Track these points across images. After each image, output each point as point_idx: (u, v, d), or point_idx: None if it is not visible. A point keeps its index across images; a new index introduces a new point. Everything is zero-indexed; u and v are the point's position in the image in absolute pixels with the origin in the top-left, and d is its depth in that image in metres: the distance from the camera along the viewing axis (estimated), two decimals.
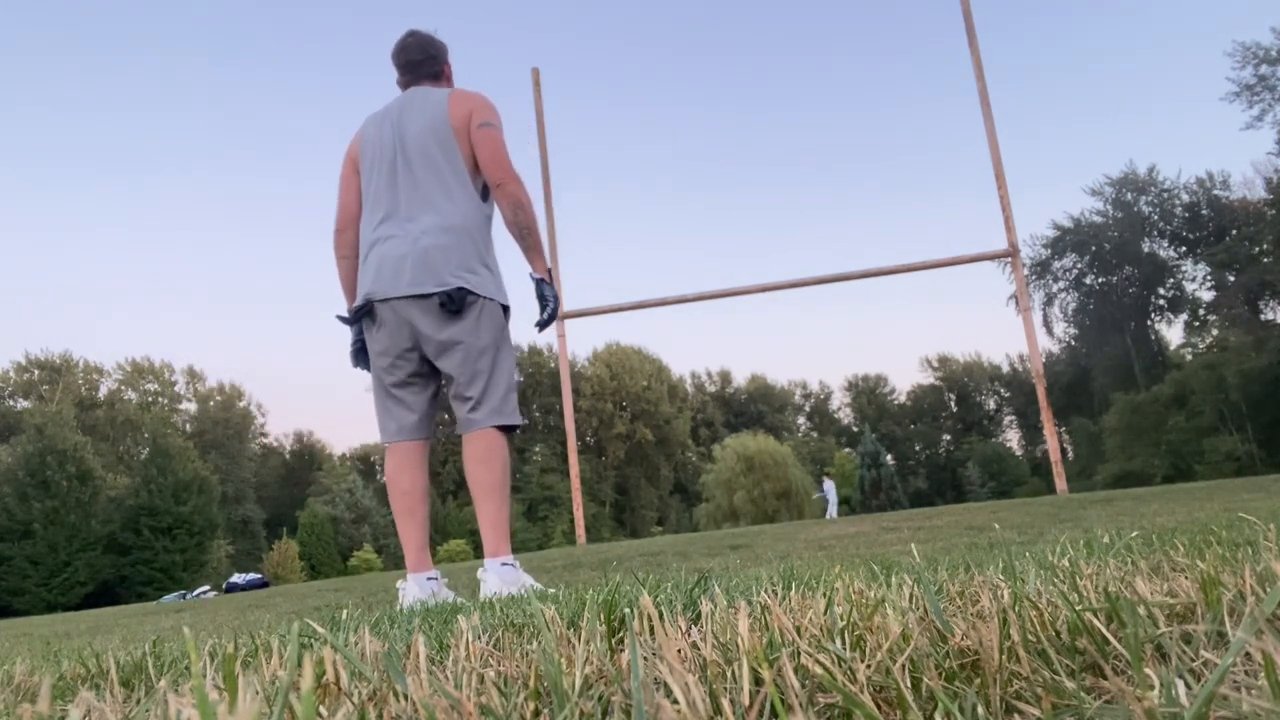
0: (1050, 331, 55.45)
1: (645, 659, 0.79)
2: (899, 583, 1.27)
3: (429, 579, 2.79)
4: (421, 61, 3.13)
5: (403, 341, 2.80)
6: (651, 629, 0.91)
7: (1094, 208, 52.14)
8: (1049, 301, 54.63)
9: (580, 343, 77.31)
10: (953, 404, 74.02)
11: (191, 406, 60.31)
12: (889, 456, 51.20)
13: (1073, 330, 56.00)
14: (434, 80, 3.15)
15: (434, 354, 2.80)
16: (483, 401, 2.81)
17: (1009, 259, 9.46)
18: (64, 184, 73.96)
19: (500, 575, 2.69)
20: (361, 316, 2.82)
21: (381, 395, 2.89)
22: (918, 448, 72.09)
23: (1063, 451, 9.59)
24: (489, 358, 2.81)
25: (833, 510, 25.97)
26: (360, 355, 2.95)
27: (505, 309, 2.90)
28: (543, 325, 2.95)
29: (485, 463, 2.76)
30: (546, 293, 2.93)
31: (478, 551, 46.79)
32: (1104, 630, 0.73)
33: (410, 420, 2.88)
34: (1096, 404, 51.07)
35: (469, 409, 2.81)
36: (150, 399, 58.23)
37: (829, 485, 26.74)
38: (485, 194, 2.94)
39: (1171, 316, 51.69)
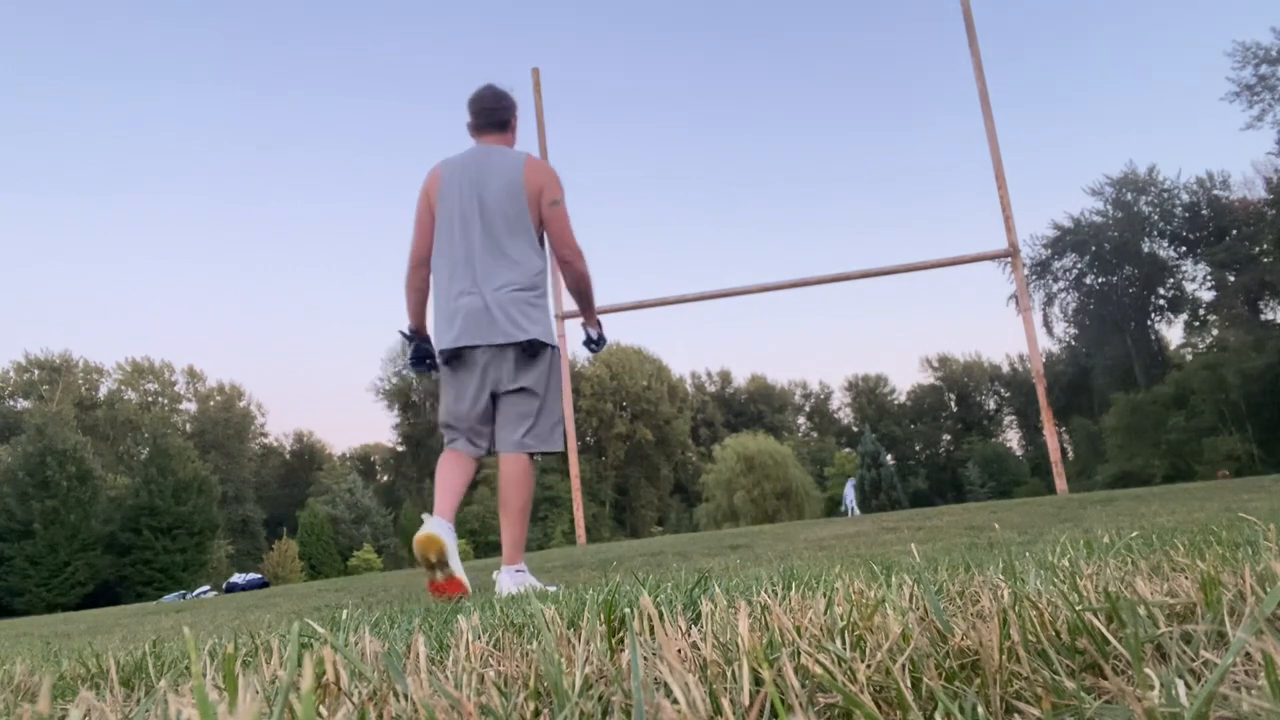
0: (1050, 331, 55.50)
1: (645, 659, 0.79)
2: (899, 583, 1.27)
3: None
4: (493, 110, 3.54)
5: (486, 382, 3.27)
6: (651, 629, 0.91)
7: (1094, 208, 52.19)
8: (1049, 301, 54.66)
9: (580, 343, 77.26)
10: (953, 404, 74.01)
11: (191, 406, 60.35)
12: (889, 456, 51.20)
13: (1073, 330, 56.03)
14: (501, 129, 3.56)
15: (505, 390, 3.27)
16: (532, 431, 3.26)
17: (1009, 259, 9.46)
18: (64, 184, 74.04)
19: (512, 579, 3.11)
20: (449, 359, 3.32)
21: (461, 404, 3.37)
22: (918, 448, 72.09)
23: (1063, 451, 9.59)
24: (548, 395, 3.31)
25: (852, 508, 27.09)
26: (419, 364, 3.53)
27: (555, 354, 3.40)
28: (595, 349, 3.84)
29: (518, 486, 3.21)
30: (597, 336, 3.77)
31: (478, 551, 46.90)
32: (1104, 630, 0.73)
33: (483, 441, 3.38)
34: (1096, 404, 51.07)
35: (521, 434, 3.25)
36: (150, 399, 58.26)
37: (850, 485, 28.87)
38: (543, 243, 3.40)
39: (1171, 316, 51.72)
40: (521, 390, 3.24)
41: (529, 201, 3.29)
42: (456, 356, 3.28)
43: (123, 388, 57.13)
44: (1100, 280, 52.52)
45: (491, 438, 3.33)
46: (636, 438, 65.24)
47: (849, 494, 28.35)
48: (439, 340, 3.32)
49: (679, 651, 0.80)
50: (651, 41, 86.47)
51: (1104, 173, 54.41)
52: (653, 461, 66.31)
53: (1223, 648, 0.73)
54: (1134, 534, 2.24)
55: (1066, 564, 1.42)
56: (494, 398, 3.29)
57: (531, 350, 3.22)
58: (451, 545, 3.01)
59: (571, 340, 9.34)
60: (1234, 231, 44.74)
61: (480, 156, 3.40)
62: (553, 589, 2.73)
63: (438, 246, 3.34)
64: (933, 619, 0.83)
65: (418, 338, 3.53)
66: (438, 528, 3.00)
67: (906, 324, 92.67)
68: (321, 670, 0.73)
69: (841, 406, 77.94)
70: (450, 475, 3.25)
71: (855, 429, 68.71)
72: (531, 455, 3.27)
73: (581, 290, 3.51)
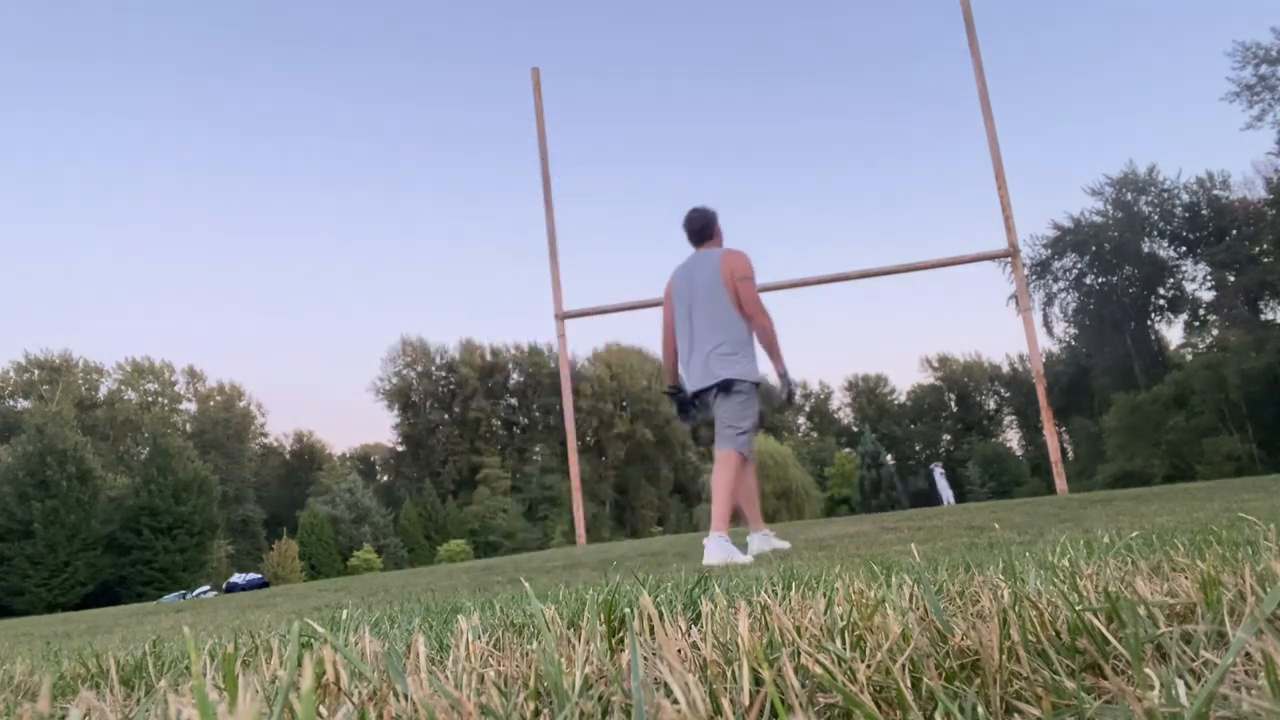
0: (1050, 331, 55.47)
1: (645, 659, 0.79)
2: (899, 583, 1.27)
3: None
4: (697, 231, 4.93)
5: (711, 404, 4.69)
6: (651, 629, 0.91)
7: (1094, 208, 52.16)
8: (1049, 301, 54.64)
9: (580, 343, 77.31)
10: (953, 404, 74.01)
11: (191, 406, 60.35)
12: (889, 456, 51.19)
13: (1073, 330, 56.02)
14: (709, 239, 4.92)
15: (717, 413, 4.66)
16: (729, 436, 4.57)
17: (1009, 259, 9.46)
18: (64, 184, 74.03)
19: (715, 542, 4.22)
20: (693, 398, 4.76)
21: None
22: (918, 448, 72.10)
23: (1063, 451, 9.59)
24: (742, 413, 4.59)
25: (948, 498, 23.45)
26: (684, 414, 4.91)
27: (755, 384, 4.65)
28: (789, 399, 5.05)
29: (722, 470, 4.52)
30: (786, 381, 4.91)
31: (477, 551, 46.88)
32: (1104, 630, 0.73)
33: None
34: (1096, 404, 51.07)
35: (727, 438, 4.57)
36: (150, 399, 58.26)
37: (938, 474, 24.58)
38: (741, 313, 4.65)
39: (1171, 316, 51.70)
40: (727, 410, 4.61)
41: (725, 283, 4.60)
42: (697, 397, 4.79)
43: (123, 388, 57.13)
44: (1100, 280, 52.51)
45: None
46: (636, 438, 65.25)
47: (941, 480, 23.80)
48: (690, 384, 4.74)
49: (679, 651, 0.80)
50: (652, 42, 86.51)
51: (1104, 173, 54.42)
52: (653, 461, 66.32)
53: (1223, 648, 0.73)
54: (1134, 534, 2.24)
55: (1066, 564, 1.42)
56: (718, 419, 4.67)
57: (726, 387, 4.57)
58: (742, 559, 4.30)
59: (572, 341, 9.35)
60: (1234, 231, 44.75)
61: (694, 261, 4.82)
62: (787, 546, 4.65)
63: (678, 328, 4.80)
64: (933, 619, 0.83)
65: (677, 391, 4.90)
66: (722, 551, 4.33)
67: (906, 324, 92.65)
68: (321, 670, 0.73)
69: (841, 406, 77.95)
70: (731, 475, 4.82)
71: (855, 429, 68.73)
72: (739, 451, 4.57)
73: (766, 342, 4.71)
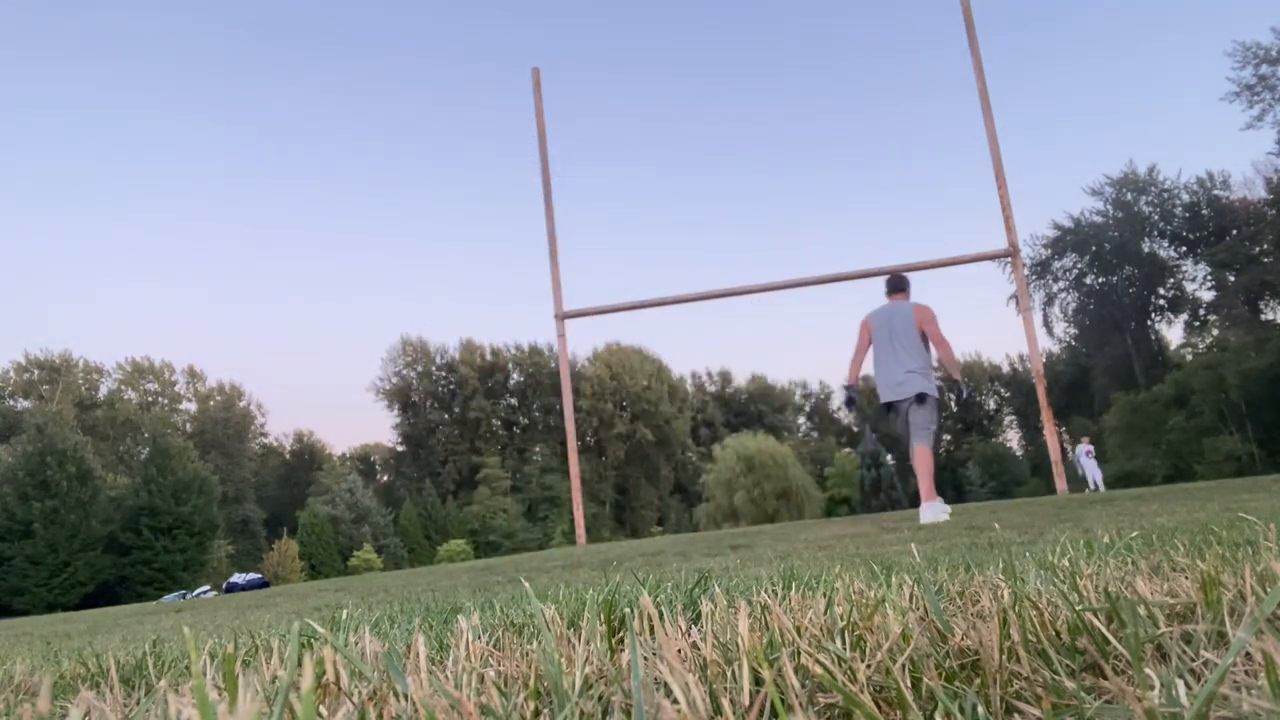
0: (1050, 331, 55.48)
1: (645, 659, 0.79)
2: (899, 583, 1.27)
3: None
4: (896, 287, 6.80)
5: (905, 416, 6.40)
6: (651, 629, 0.91)
7: (1094, 208, 52.16)
8: (1049, 301, 54.66)
9: (580, 343, 77.29)
10: (953, 404, 73.92)
11: (191, 406, 60.35)
12: (889, 456, 51.16)
13: (1073, 330, 56.03)
14: (900, 294, 6.77)
15: (911, 418, 6.36)
16: (923, 432, 6.29)
17: (1009, 259, 9.46)
18: (64, 184, 74.04)
19: (930, 508, 5.82)
20: (888, 408, 6.55)
21: (903, 426, 6.51)
22: None
23: (1063, 451, 9.59)
24: (930, 417, 6.33)
25: (1096, 478, 20.44)
26: (850, 405, 6.81)
27: (936, 397, 6.35)
28: (966, 398, 7.02)
29: (921, 457, 6.23)
30: (963, 387, 6.92)
31: (477, 551, 46.90)
32: (1104, 630, 0.73)
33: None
34: (1096, 404, 51.07)
35: (922, 436, 6.28)
36: (150, 399, 58.27)
37: (1084, 452, 21.06)
38: (926, 346, 6.45)
39: (1171, 316, 51.71)
40: (919, 417, 6.32)
41: (916, 326, 6.43)
42: (890, 406, 6.51)
43: (123, 388, 57.14)
44: (1100, 280, 52.51)
45: (908, 438, 6.45)
46: (636, 438, 65.25)
47: (1090, 461, 20.79)
48: (883, 397, 6.52)
49: (679, 651, 0.80)
50: (652, 42, 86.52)
51: (1104, 173, 54.34)
52: (653, 461, 66.33)
53: (1223, 648, 0.73)
54: (1134, 534, 2.24)
55: (1066, 564, 1.42)
56: (908, 421, 6.39)
57: (920, 399, 6.29)
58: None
59: (572, 341, 9.34)
60: (1234, 231, 44.75)
61: (890, 308, 6.60)
62: (945, 517, 5.67)
63: (876, 353, 6.53)
64: (933, 619, 0.83)
65: (852, 389, 6.79)
66: (935, 514, 5.94)
67: None
68: (321, 670, 0.73)
69: (841, 406, 77.83)
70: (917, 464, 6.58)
71: (855, 429, 68.69)
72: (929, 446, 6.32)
73: (950, 363, 6.47)
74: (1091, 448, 21.42)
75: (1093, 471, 20.66)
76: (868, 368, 6.66)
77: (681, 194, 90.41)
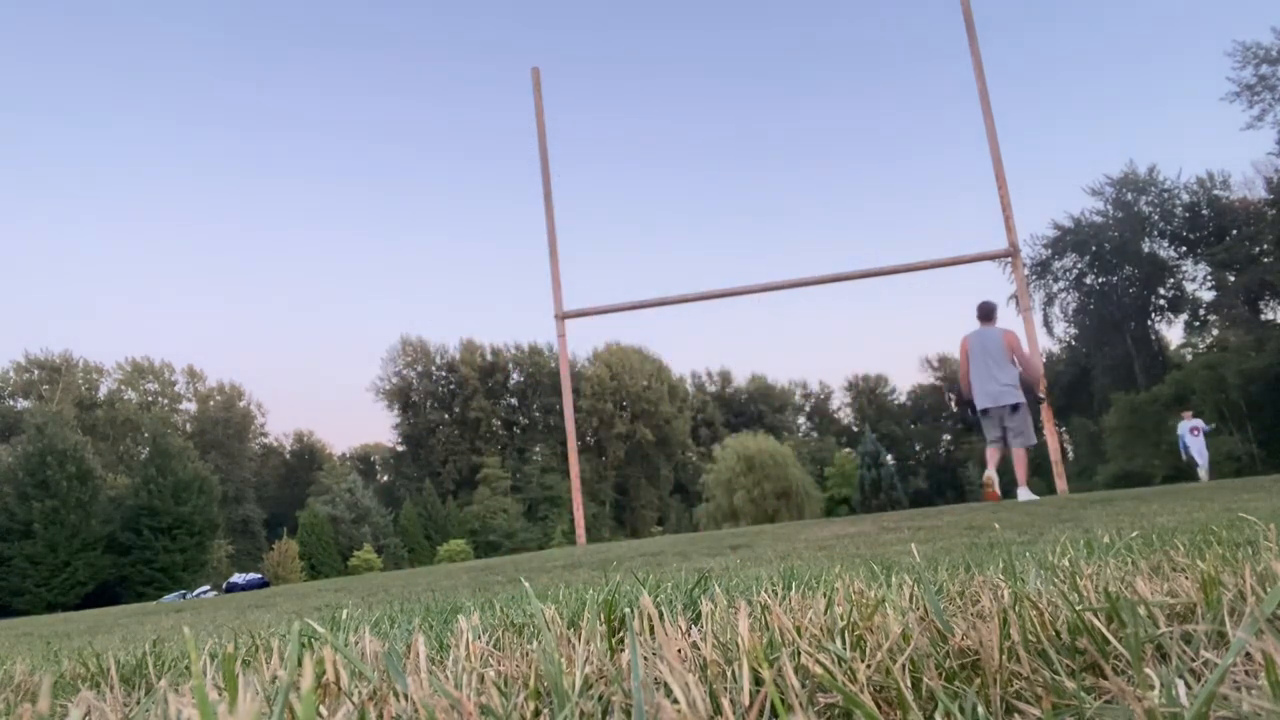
0: (1050, 331, 55.47)
1: (645, 659, 0.79)
2: (899, 583, 1.27)
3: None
4: (987, 315, 8.12)
5: (998, 420, 7.86)
6: (651, 629, 0.91)
7: (1094, 208, 52.15)
8: (1049, 301, 54.64)
9: (580, 343, 77.24)
10: (953, 404, 74.01)
11: (191, 406, 60.35)
12: (889, 456, 51.20)
13: (1073, 330, 56.02)
14: (990, 321, 8.10)
15: (1007, 424, 7.84)
16: (1021, 437, 7.78)
17: (1009, 259, 9.46)
18: (65, 184, 74.06)
19: (1024, 492, 7.54)
20: (984, 413, 7.91)
21: (992, 431, 7.93)
22: (918, 448, 72.11)
23: (1063, 451, 9.59)
24: (1024, 423, 7.80)
25: (1202, 463, 17.24)
26: (968, 412, 8.12)
27: (1025, 405, 7.75)
28: (1045, 400, 8.36)
29: (1021, 456, 7.72)
30: (1041, 394, 8.14)
31: (477, 551, 46.90)
32: (1104, 630, 0.73)
33: (998, 438, 7.95)
34: (1096, 404, 51.06)
35: (1020, 440, 7.75)
36: (150, 399, 58.26)
37: (1189, 428, 17.68)
38: (1013, 363, 7.85)
39: (1171, 316, 51.70)
40: (1014, 423, 7.79)
41: (1005, 349, 7.85)
42: (985, 413, 7.91)
43: (123, 388, 57.14)
44: (1100, 280, 52.50)
45: (1005, 442, 7.85)
46: (636, 438, 65.24)
47: (1197, 440, 17.46)
48: (980, 404, 7.92)
49: (679, 651, 0.80)
50: (652, 42, 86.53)
51: (1104, 173, 54.29)
52: (653, 461, 66.32)
53: (1223, 648, 0.73)
54: (1134, 534, 2.24)
55: (1066, 564, 1.42)
56: (1003, 426, 7.84)
57: (1014, 408, 7.76)
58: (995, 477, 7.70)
59: (572, 341, 9.34)
60: (1234, 231, 44.74)
61: (984, 332, 8.03)
62: (1034, 498, 7.07)
63: (973, 369, 7.98)
64: (933, 619, 0.83)
65: (967, 398, 8.12)
66: (993, 471, 7.71)
67: (906, 324, 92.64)
68: (321, 670, 0.73)
69: (841, 406, 77.93)
70: (995, 456, 7.86)
71: (855, 429, 68.74)
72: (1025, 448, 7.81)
73: (1035, 377, 7.96)
74: (1200, 422, 17.55)
75: (1199, 454, 17.13)
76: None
77: (682, 193, 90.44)
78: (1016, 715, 0.62)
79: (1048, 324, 55.02)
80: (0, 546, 35.57)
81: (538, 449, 65.59)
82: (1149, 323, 52.69)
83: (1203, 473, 16.91)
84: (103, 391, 56.02)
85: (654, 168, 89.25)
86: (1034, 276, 52.96)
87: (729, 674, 0.70)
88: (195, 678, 0.47)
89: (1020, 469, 7.74)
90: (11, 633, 5.47)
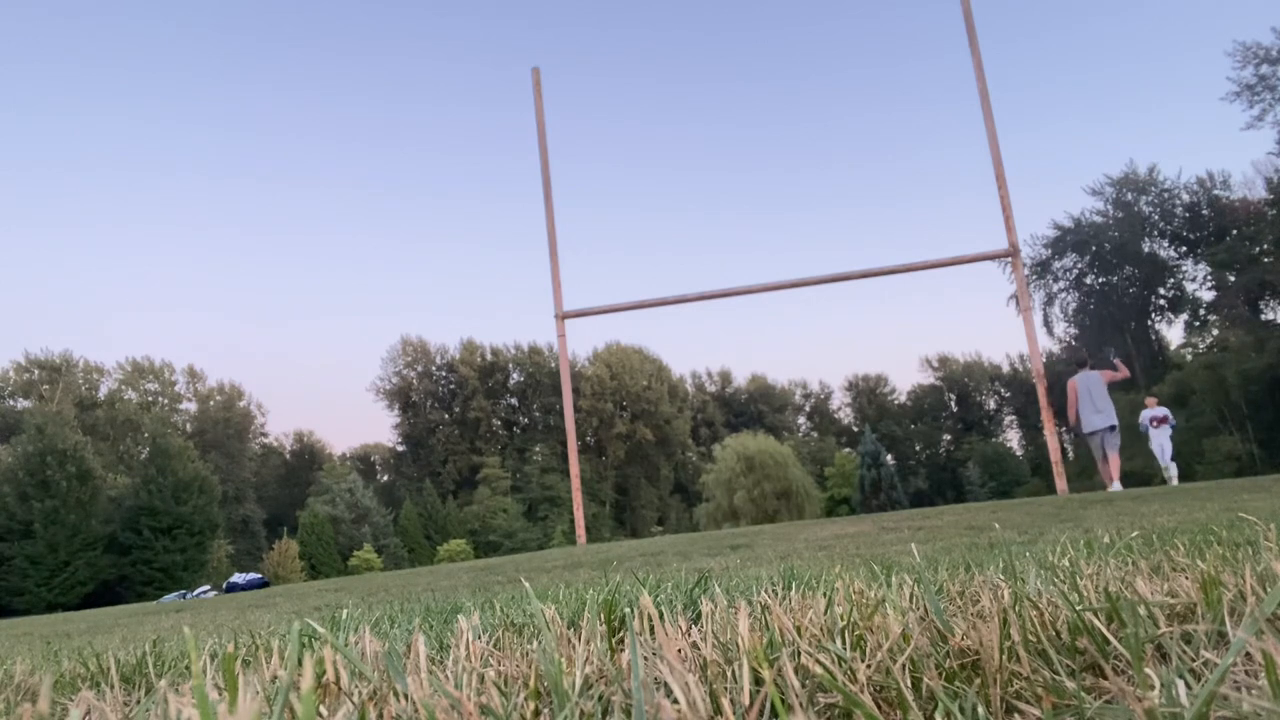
0: (1050, 331, 55.47)
1: (645, 659, 0.79)
2: (899, 583, 1.27)
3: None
4: (1082, 364, 11.57)
5: (1100, 441, 11.09)
6: (652, 629, 0.91)
7: (1094, 208, 52.17)
8: (1049, 301, 54.66)
9: (580, 343, 77.30)
10: (953, 404, 74.01)
11: (191, 406, 60.35)
12: (889, 456, 51.17)
13: (1073, 330, 56.02)
14: (1088, 366, 11.41)
15: (1107, 440, 11.10)
16: (1116, 449, 10.93)
17: (1009, 259, 9.46)
18: (65, 184, 74.05)
19: (1117, 485, 10.50)
20: (1092, 433, 11.27)
21: (1097, 450, 11.21)
22: (918, 448, 72.09)
23: (1063, 451, 9.60)
24: (1117, 439, 11.02)
25: (1164, 460, 13.34)
26: (1079, 433, 11.57)
27: (1115, 426, 11.20)
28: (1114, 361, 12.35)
29: (1115, 459, 10.88)
30: (1119, 363, 12.18)
31: (477, 551, 46.90)
32: (1104, 630, 0.73)
33: (1103, 455, 11.20)
34: None
35: (1115, 449, 10.93)
36: (150, 399, 58.26)
37: (1150, 417, 14.01)
38: (1109, 397, 11.28)
39: (1171, 316, 51.72)
40: (1112, 438, 10.90)
41: (1105, 386, 11.09)
42: (1092, 435, 10.99)
43: (123, 388, 57.14)
44: (1100, 280, 52.52)
45: (1104, 454, 10.94)
46: (636, 438, 65.25)
47: (1154, 430, 13.76)
48: (1087, 428, 11.03)
49: (679, 651, 0.80)
50: (652, 42, 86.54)
51: (1104, 173, 54.41)
52: (653, 461, 66.33)
53: (1223, 648, 0.73)
54: (1134, 534, 2.24)
55: (1067, 564, 1.42)
56: (1103, 443, 10.89)
57: (1111, 429, 10.90)
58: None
59: (572, 341, 9.34)
60: (1234, 231, 44.75)
61: (1088, 375, 11.12)
62: (1116, 489, 10.16)
63: (1081, 402, 11.09)
64: (933, 619, 0.83)
65: (1073, 425, 11.24)
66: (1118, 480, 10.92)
67: (906, 324, 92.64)
68: (321, 670, 0.73)
69: (841, 406, 77.92)
70: (1108, 466, 10.97)
71: (855, 429, 68.71)
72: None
73: (1126, 377, 11.46)
74: (1165, 411, 14.23)
75: (1159, 446, 13.74)
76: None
77: (681, 194, 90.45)
78: (1017, 715, 0.62)
79: (1048, 324, 55.05)
80: (0, 546, 35.58)
81: (538, 449, 65.58)
82: (1149, 323, 52.72)
83: (1169, 474, 13.33)
84: (103, 391, 56.03)
85: (654, 167, 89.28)
86: (1034, 276, 52.98)
87: (729, 674, 0.70)
88: (195, 677, 0.47)
89: (1115, 469, 10.76)
90: (11, 633, 5.47)
